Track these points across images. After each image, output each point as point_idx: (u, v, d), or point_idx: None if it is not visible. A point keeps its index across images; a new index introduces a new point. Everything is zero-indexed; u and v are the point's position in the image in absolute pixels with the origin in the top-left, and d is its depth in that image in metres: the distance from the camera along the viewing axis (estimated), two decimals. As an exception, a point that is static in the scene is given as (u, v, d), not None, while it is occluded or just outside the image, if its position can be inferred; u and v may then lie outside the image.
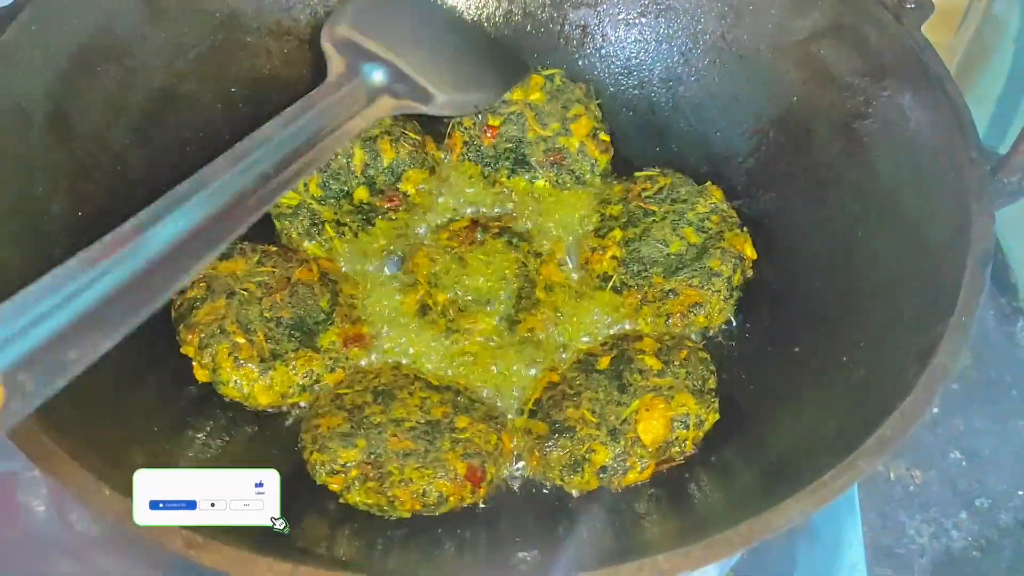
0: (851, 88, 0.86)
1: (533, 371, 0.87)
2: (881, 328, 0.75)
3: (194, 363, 0.80)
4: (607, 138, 0.99)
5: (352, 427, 0.76)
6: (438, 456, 0.75)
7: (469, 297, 0.89)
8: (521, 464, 0.82)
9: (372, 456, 0.75)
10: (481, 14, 1.03)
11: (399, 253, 0.93)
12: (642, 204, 0.93)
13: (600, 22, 1.02)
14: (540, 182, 0.97)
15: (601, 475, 0.79)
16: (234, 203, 0.61)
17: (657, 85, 1.01)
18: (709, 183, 0.94)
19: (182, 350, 0.79)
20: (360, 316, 0.88)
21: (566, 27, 1.03)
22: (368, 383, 0.81)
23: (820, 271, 0.86)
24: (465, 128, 0.98)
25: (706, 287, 0.88)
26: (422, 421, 0.77)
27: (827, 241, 0.86)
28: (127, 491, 0.56)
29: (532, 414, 0.83)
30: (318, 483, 0.75)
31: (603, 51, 1.03)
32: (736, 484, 0.76)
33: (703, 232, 0.91)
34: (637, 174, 0.97)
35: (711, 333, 0.90)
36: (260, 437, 0.81)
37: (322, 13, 0.97)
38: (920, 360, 0.64)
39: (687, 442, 0.80)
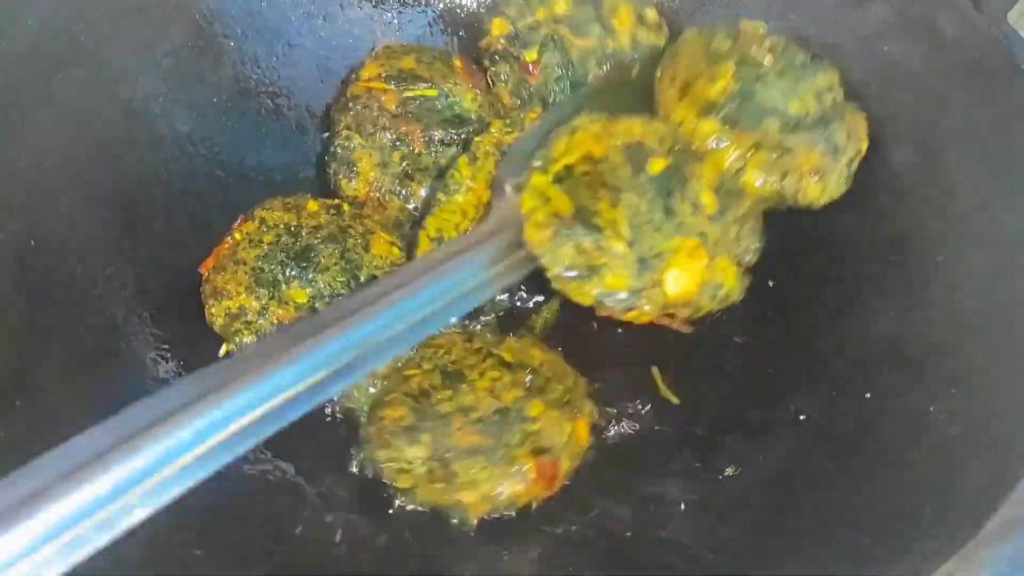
0: (925, 89, 0.75)
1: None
2: (978, 370, 0.63)
3: None
4: (654, 13, 0.86)
5: (416, 419, 0.71)
6: (507, 453, 0.68)
7: None
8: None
9: (438, 452, 0.69)
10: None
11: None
12: (754, 53, 0.79)
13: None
14: None
15: (602, 298, 0.67)
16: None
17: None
18: (827, 63, 0.80)
19: None
20: None
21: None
22: (438, 360, 0.75)
23: (892, 302, 0.74)
24: (505, 78, 0.87)
25: (829, 156, 0.75)
26: (491, 410, 0.71)
27: (899, 267, 0.75)
28: None
29: (558, 179, 0.70)
30: (385, 480, 0.70)
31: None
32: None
33: (822, 103, 0.77)
34: (744, 21, 0.82)
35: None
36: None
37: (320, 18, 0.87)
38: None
39: (701, 311, 0.69)
